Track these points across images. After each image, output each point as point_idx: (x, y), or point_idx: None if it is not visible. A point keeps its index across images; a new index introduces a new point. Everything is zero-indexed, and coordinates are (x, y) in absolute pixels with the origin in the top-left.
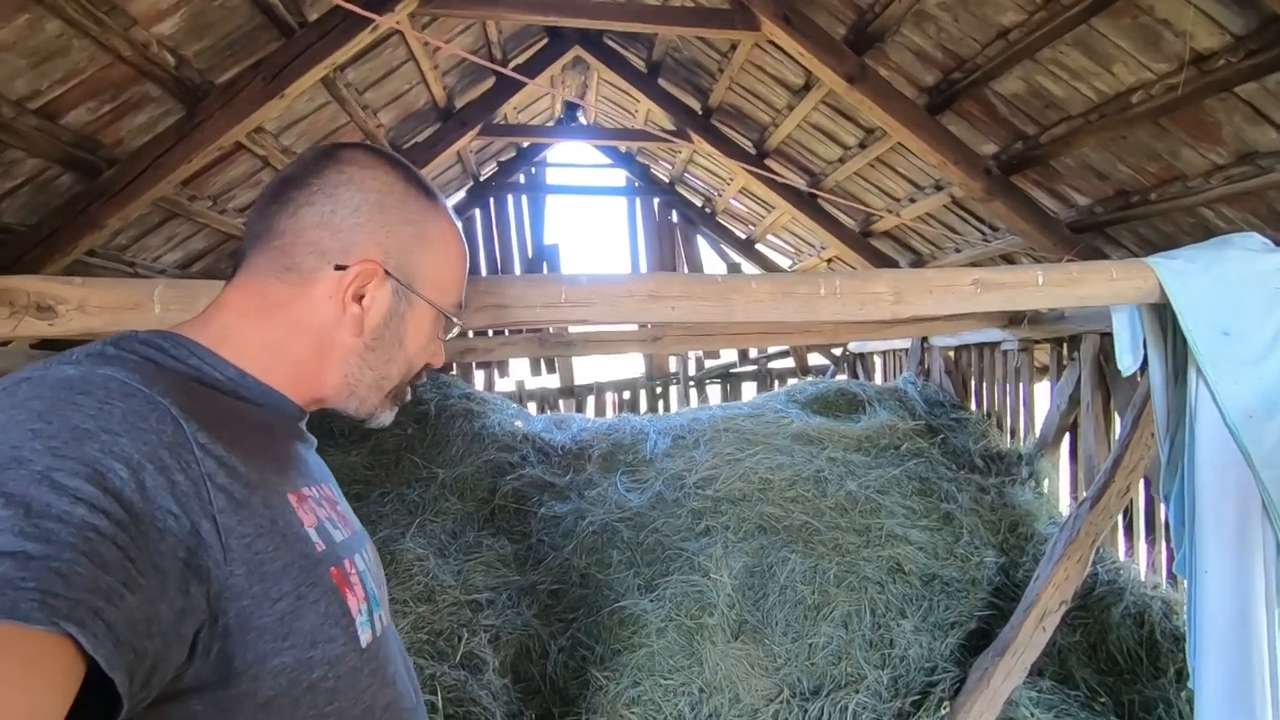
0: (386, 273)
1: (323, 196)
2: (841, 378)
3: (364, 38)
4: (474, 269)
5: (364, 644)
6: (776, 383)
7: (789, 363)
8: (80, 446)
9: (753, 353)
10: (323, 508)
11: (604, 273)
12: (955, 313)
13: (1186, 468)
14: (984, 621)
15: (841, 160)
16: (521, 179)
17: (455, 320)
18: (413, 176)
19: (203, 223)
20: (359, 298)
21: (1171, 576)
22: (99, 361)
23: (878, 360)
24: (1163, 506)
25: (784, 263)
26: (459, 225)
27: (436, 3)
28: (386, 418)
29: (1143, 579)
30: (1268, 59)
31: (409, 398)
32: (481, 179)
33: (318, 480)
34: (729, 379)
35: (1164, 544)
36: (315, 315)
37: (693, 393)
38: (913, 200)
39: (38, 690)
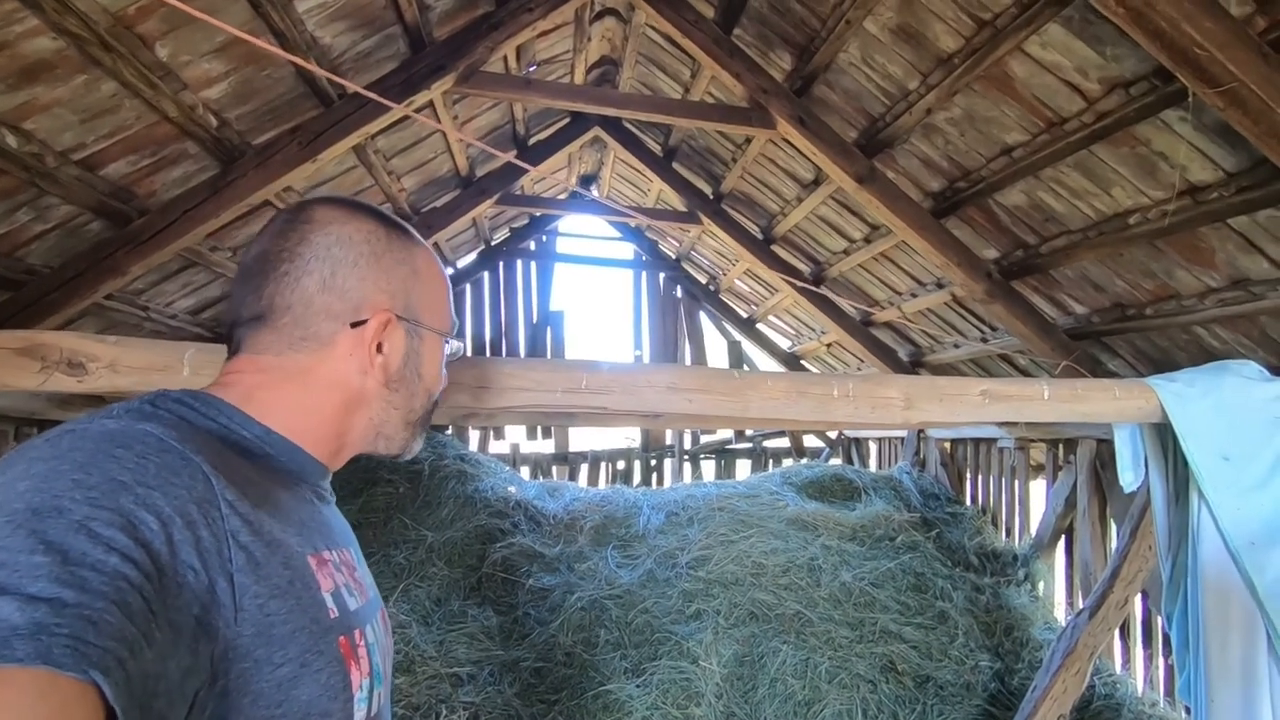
0: (398, 317)
1: (318, 263)
2: (836, 461)
3: (399, 111)
4: (479, 331)
5: None
6: (771, 462)
7: (784, 442)
8: (116, 498)
9: (749, 430)
10: (341, 573)
11: (625, 362)
12: (964, 420)
13: (1190, 589)
14: None
15: (846, 252)
16: (532, 246)
17: (451, 341)
18: (385, 218)
19: (219, 272)
20: (378, 347)
21: (1170, 696)
22: (138, 417)
23: (873, 446)
24: (1161, 620)
25: (784, 344)
26: (435, 257)
27: (470, 83)
28: (418, 446)
29: (1140, 694)
30: (1258, 196)
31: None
32: (493, 243)
33: (339, 544)
34: (724, 455)
35: (1162, 659)
36: (339, 374)
37: (687, 466)
38: (914, 295)
39: None
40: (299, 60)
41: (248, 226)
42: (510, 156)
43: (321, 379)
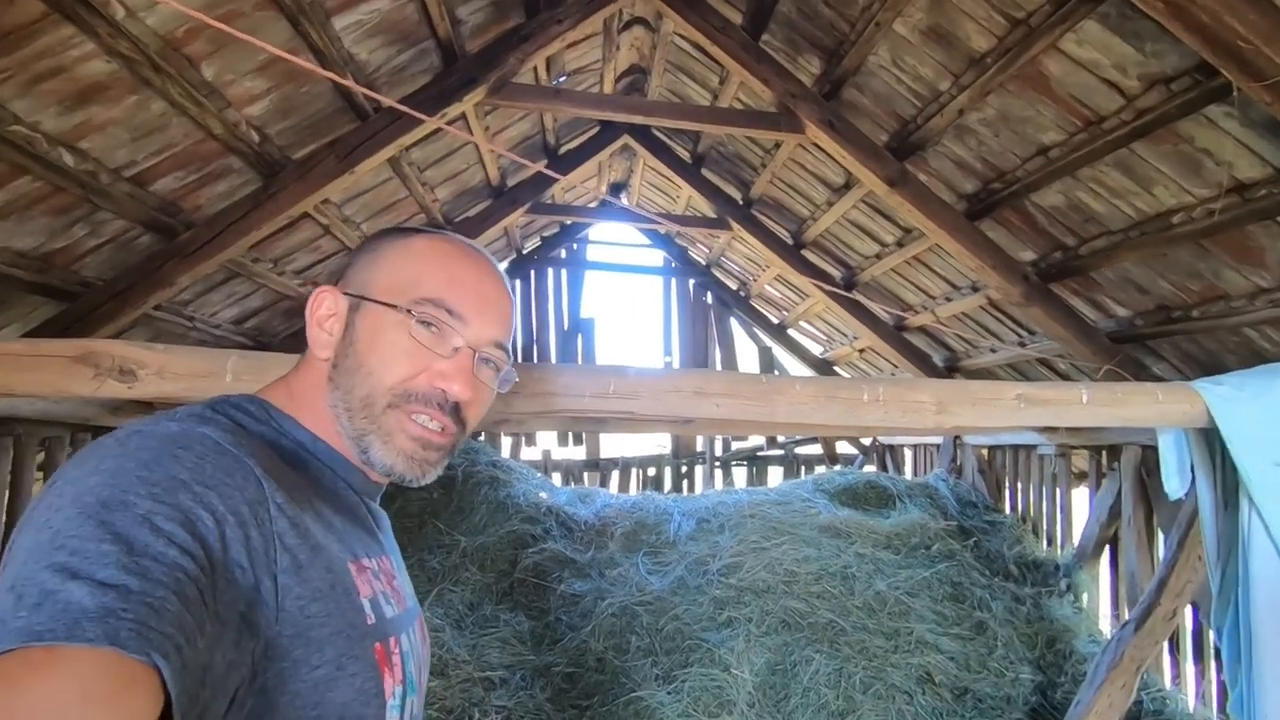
0: (347, 294)
1: None
2: (870, 469)
3: (431, 124)
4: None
5: None
6: (803, 469)
7: (816, 449)
8: (176, 495)
9: (780, 437)
10: (379, 580)
11: (652, 367)
12: (998, 425)
13: (1240, 601)
14: None
15: (878, 256)
16: (563, 254)
17: (400, 307)
18: (394, 227)
19: (261, 283)
20: (323, 324)
21: (1224, 712)
22: (198, 421)
23: (908, 453)
24: (1212, 634)
25: (816, 349)
26: (451, 243)
27: (501, 94)
28: (386, 457)
29: (1191, 711)
30: None
31: (428, 436)
32: (524, 252)
33: (380, 552)
34: (755, 462)
35: (1214, 672)
36: (312, 360)
37: (718, 473)
38: (948, 299)
39: (128, 715)
40: (334, 76)
41: (288, 238)
42: (539, 167)
43: (308, 365)
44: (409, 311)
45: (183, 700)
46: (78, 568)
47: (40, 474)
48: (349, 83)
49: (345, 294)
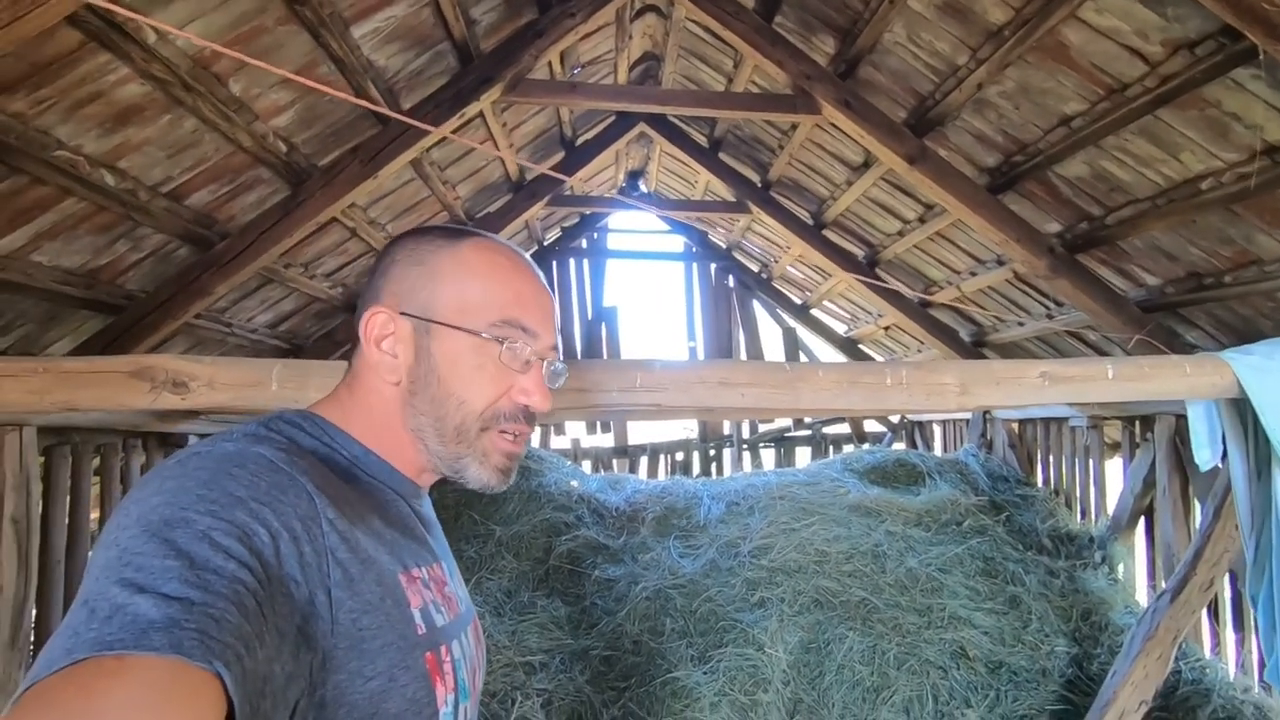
0: (404, 314)
1: (370, 278)
2: (899, 446)
3: (452, 123)
4: None
5: None
6: (831, 449)
7: (844, 429)
8: (233, 511)
9: (807, 418)
10: (430, 589)
11: (678, 360)
12: (1023, 404)
13: (1274, 569)
14: (1055, 716)
15: (901, 233)
16: (584, 243)
17: (484, 335)
18: (432, 229)
19: (293, 287)
20: (380, 344)
21: (1264, 681)
22: (253, 441)
23: (937, 429)
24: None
25: (840, 328)
26: (501, 253)
27: (517, 91)
28: (483, 475)
29: (1232, 679)
30: None
31: (516, 450)
32: (545, 243)
33: (431, 559)
34: (783, 443)
35: (1255, 640)
36: (369, 380)
37: (746, 456)
38: (973, 274)
39: (194, 719)
40: (346, 95)
41: (317, 243)
42: (545, 169)
43: (366, 387)
44: (496, 338)
45: (245, 708)
46: (144, 582)
47: (96, 478)
48: (357, 101)
49: (404, 314)
